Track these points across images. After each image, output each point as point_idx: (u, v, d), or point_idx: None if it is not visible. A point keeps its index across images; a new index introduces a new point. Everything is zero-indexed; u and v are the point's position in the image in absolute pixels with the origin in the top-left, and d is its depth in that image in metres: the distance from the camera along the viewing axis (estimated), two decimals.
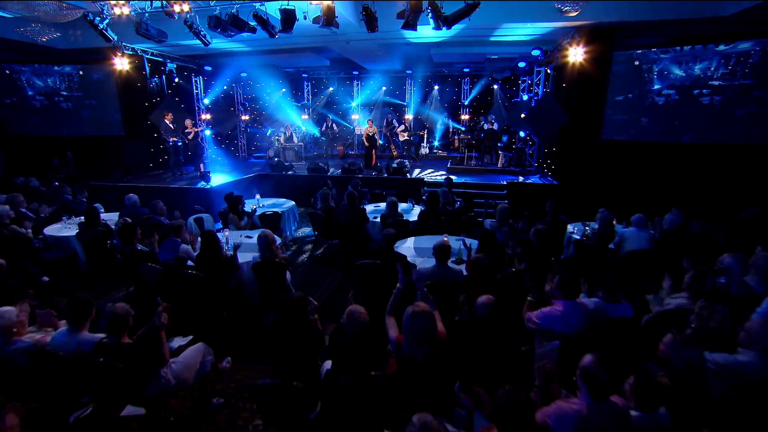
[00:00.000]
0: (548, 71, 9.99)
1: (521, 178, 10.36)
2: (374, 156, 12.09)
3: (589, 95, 9.17)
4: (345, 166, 10.83)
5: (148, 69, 10.51)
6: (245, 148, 15.53)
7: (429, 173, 11.29)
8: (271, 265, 4.53)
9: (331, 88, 16.38)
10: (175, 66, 11.21)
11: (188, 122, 10.29)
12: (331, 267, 6.88)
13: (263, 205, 7.94)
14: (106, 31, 6.87)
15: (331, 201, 7.05)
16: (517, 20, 8.19)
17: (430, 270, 4.16)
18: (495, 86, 14.70)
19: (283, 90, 16.10)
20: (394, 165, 10.53)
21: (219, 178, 10.34)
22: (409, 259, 4.71)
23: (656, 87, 8.45)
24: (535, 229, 4.72)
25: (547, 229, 4.81)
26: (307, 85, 16.70)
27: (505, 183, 9.78)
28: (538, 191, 9.61)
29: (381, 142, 14.63)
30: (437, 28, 6.42)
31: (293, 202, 8.32)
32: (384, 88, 15.80)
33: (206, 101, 12.82)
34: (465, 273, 4.37)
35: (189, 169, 11.10)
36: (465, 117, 15.63)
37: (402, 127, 14.05)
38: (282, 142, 13.08)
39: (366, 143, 12.29)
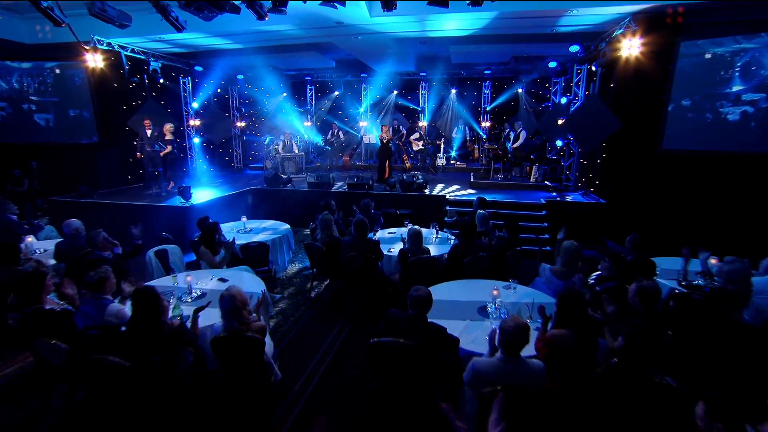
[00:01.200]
0: (593, 69, 8.42)
1: (560, 196, 8.77)
2: (388, 168, 10.56)
3: (646, 97, 7.60)
4: (353, 181, 9.29)
5: (127, 67, 9.09)
6: (241, 158, 14.13)
7: (452, 190, 9.74)
8: (239, 342, 2.97)
9: (336, 92, 14.98)
10: (159, 65, 9.81)
11: (167, 127, 8.82)
12: (337, 310, 5.35)
13: (250, 230, 6.44)
14: (53, 11, 5.43)
15: (335, 229, 5.50)
16: (567, 2, 6.67)
17: (495, 366, 2.56)
18: (519, 90, 13.17)
19: (284, 94, 14.74)
20: (411, 180, 8.99)
21: (205, 194, 8.87)
22: (445, 322, 3.13)
23: (737, 88, 6.84)
24: (640, 287, 3.12)
25: (651, 286, 3.20)
26: (311, 89, 15.32)
27: (543, 202, 8.19)
28: (584, 212, 8.03)
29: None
30: (475, 4, 4.90)
31: (288, 226, 6.83)
32: (395, 92, 14.34)
33: (195, 105, 11.39)
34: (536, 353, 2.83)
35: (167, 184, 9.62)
36: (486, 124, 14.12)
37: (416, 135, 12.54)
38: (280, 151, 11.61)
39: (379, 153, 10.77)
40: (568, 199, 8.47)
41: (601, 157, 8.55)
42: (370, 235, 6.14)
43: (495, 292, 3.71)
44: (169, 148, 8.78)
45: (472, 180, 10.25)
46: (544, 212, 8.05)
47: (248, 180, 11.22)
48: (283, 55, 11.48)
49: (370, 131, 13.66)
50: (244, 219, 6.63)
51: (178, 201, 7.69)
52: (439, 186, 10.09)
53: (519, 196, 8.88)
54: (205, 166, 12.16)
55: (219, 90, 12.92)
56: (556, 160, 9.93)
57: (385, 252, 5.39)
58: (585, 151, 8.77)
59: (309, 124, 14.92)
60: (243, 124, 13.81)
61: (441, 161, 12.87)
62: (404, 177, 9.12)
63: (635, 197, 7.88)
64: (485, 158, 12.49)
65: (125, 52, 9.10)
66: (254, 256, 5.50)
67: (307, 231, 6.88)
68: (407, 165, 12.51)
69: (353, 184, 9.29)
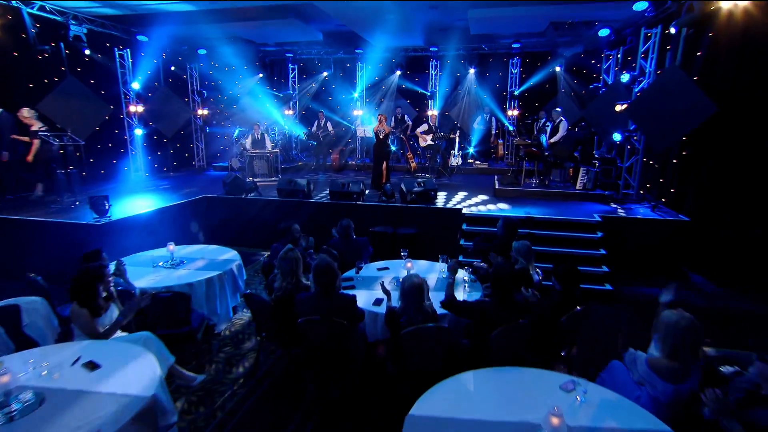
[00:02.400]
0: (670, 32, 6.94)
1: (619, 209, 7.30)
2: (386, 170, 9.15)
3: (760, 68, 6.03)
4: (337, 188, 7.88)
5: (33, 31, 7.75)
6: (204, 155, 12.81)
7: (470, 200, 8.32)
8: None
9: (325, 73, 13.74)
10: (84, 30, 8.50)
11: (24, 114, 7.36)
12: (295, 397, 3.95)
13: (179, 263, 5.10)
14: None
15: (301, 272, 4.04)
16: None
17: None
18: (558, 68, 11.76)
19: (260, 75, 13.42)
20: (415, 186, 7.56)
21: (139, 205, 7.53)
22: None
23: None
24: None
25: None
26: (293, 69, 14.04)
27: (597, 219, 6.71)
28: (656, 233, 6.56)
29: (394, 148, 11.80)
30: None
31: (235, 255, 5.47)
32: (398, 73, 12.95)
33: (136, 85, 10.04)
34: None
35: (89, 190, 8.29)
36: (513, 113, 12.73)
37: (424, 127, 11.12)
38: (248, 148, 10.24)
39: (374, 151, 9.39)
40: (632, 215, 6.97)
41: (678, 155, 7.05)
42: (349, 274, 4.73)
43: (555, 422, 2.25)
44: (35, 143, 7.38)
45: (497, 186, 8.80)
46: (599, 234, 6.57)
47: (207, 184, 9.86)
48: (255, 24, 10.23)
49: (367, 122, 12.29)
50: (171, 247, 5.22)
51: (90, 217, 6.31)
52: (454, 195, 8.64)
53: (562, 209, 7.42)
54: (157, 165, 10.85)
55: (173, 68, 11.67)
56: (611, 160, 8.45)
57: (370, 307, 3.96)
58: (657, 149, 7.25)
59: (291, 112, 13.62)
60: (206, 111, 12.53)
61: (456, 160, 11.45)
62: (408, 184, 7.68)
63: (734, 213, 6.39)
64: (513, 157, 11.46)
65: (29, 10, 7.74)
66: (169, 313, 4.09)
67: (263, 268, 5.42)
68: (412, 165, 11.11)
69: (337, 193, 7.87)
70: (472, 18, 9.84)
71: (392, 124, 11.82)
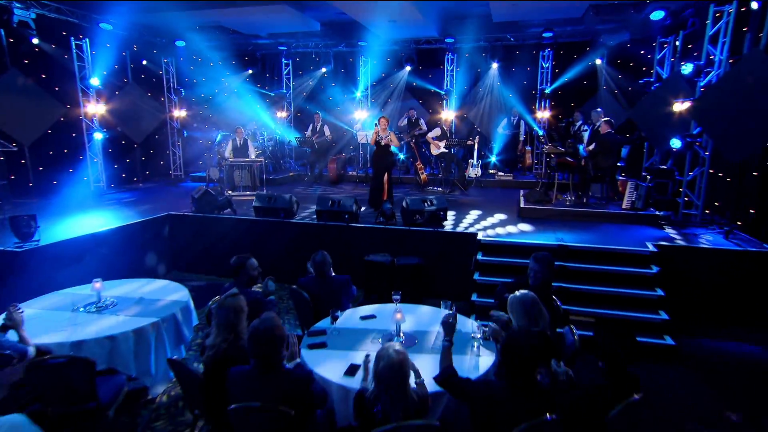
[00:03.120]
0: (751, 7, 6.02)
1: (679, 236, 6.34)
2: (387, 186, 8.31)
3: None
4: (325, 206, 7.06)
5: None
6: (181, 164, 12.18)
7: (486, 221, 7.47)
8: None
9: (323, 69, 13.13)
10: (33, 16, 7.92)
11: None
12: None
13: (107, 305, 4.48)
14: None
15: (244, 326, 3.20)
16: None
17: None
18: (598, 61, 10.92)
19: (250, 71, 12.81)
20: (421, 205, 6.72)
21: (87, 224, 6.82)
22: None
23: None
24: None
25: None
26: (287, 64, 13.42)
27: (652, 249, 5.75)
28: (735, 270, 5.60)
29: (402, 156, 10.98)
30: None
31: (186, 296, 4.71)
32: (408, 68, 12.22)
33: (95, 81, 9.41)
34: None
35: (29, 205, 7.62)
36: (544, 114, 11.90)
37: (437, 131, 10.26)
38: (227, 156, 9.55)
39: (373, 160, 8.61)
40: (696, 244, 5.99)
41: (761, 165, 6.08)
42: (322, 326, 3.89)
43: None
44: None
45: (522, 204, 7.88)
46: (654, 269, 5.59)
47: (179, 197, 9.18)
48: (242, 11, 9.74)
49: (369, 126, 11.51)
50: (97, 285, 4.43)
51: (11, 242, 5.57)
52: (469, 215, 7.77)
53: (603, 234, 6.47)
54: (125, 175, 10.22)
55: (145, 62, 11.14)
56: (667, 172, 7.49)
57: (340, 378, 3.09)
58: (732, 157, 6.26)
59: (284, 114, 12.97)
60: (184, 113, 11.96)
61: (474, 171, 10.58)
62: (410, 200, 6.82)
63: None
64: (543, 168, 10.69)
65: None
66: (62, 385, 3.28)
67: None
68: (422, 177, 10.24)
69: (325, 212, 7.06)
70: (494, 3, 9.15)
71: (404, 125, 11.05)
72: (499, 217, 7.62)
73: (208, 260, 7.47)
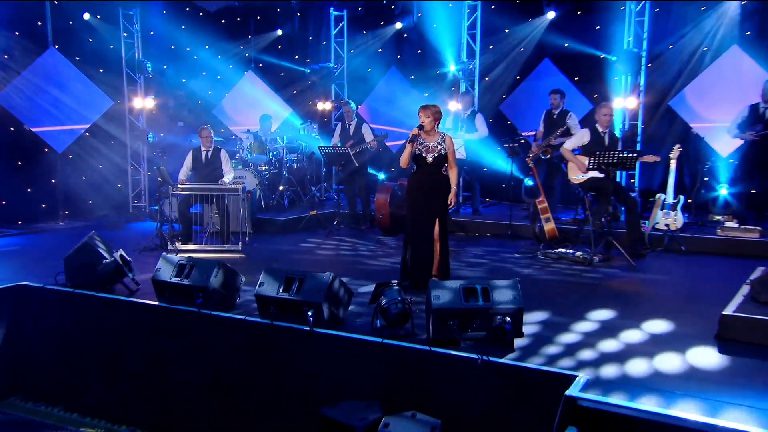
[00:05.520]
0: None
1: None
2: (438, 242, 4.34)
3: None
4: (272, 294, 3.47)
5: None
6: (144, 188, 8.46)
7: (613, 343, 3.71)
8: None
9: (398, 24, 8.95)
10: None
11: None
12: None
13: None
14: None
15: None
16: None
17: None
18: None
19: (278, 32, 9.54)
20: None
21: None
22: None
23: None
24: None
25: None
26: (340, 18, 9.23)
27: None
28: None
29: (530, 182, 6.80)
30: None
31: None
32: (551, 14, 7.73)
33: None
34: None
35: None
36: None
37: (582, 135, 5.57)
38: (183, 178, 6.23)
39: (414, 194, 4.49)
40: None
41: None
42: None
43: None
44: None
45: (732, 309, 3.41)
46: None
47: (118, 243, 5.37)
48: None
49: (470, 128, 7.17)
50: None
51: None
52: (591, 322, 3.75)
53: None
54: (47, 205, 6.64)
55: (88, 16, 7.51)
56: None
57: None
58: None
59: (328, 107, 9.55)
60: (152, 102, 8.29)
61: (669, 218, 5.66)
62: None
63: None
64: None
65: None
66: None
67: None
68: (547, 228, 5.53)
69: (270, 300, 3.58)
70: None
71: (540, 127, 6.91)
72: (660, 329, 3.46)
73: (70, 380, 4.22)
